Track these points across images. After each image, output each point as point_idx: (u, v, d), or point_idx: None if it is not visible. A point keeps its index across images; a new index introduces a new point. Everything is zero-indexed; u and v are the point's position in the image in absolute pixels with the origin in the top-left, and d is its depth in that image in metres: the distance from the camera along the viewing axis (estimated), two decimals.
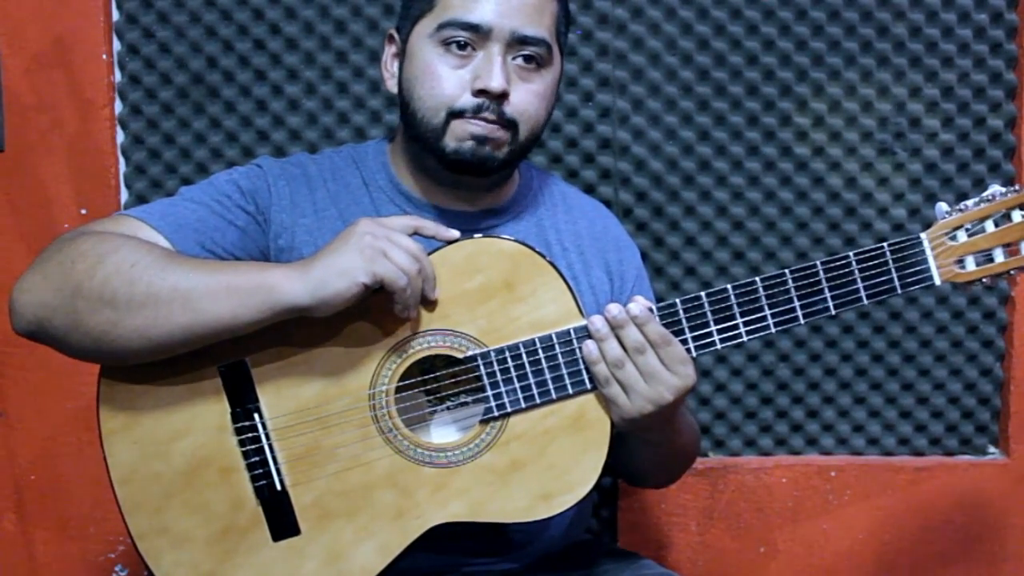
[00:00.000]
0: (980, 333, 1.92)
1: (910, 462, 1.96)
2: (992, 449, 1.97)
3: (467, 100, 1.26)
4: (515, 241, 1.23)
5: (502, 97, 1.26)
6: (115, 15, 1.87)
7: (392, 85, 1.36)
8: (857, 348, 1.93)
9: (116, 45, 1.88)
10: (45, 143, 1.87)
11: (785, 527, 1.96)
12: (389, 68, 1.37)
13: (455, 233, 1.22)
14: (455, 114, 1.27)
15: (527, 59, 1.28)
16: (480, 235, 1.24)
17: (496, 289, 1.21)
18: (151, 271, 1.13)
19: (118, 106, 1.89)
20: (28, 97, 1.86)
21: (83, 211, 1.88)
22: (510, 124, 1.28)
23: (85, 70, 1.86)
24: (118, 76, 1.89)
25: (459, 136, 1.27)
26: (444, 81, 1.27)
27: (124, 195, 1.90)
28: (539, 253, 1.22)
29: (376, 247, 1.14)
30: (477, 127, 1.26)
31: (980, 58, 1.87)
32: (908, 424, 1.95)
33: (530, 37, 1.27)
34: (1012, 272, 1.24)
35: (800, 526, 1.96)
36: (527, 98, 1.29)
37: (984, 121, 1.88)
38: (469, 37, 1.26)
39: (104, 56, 1.87)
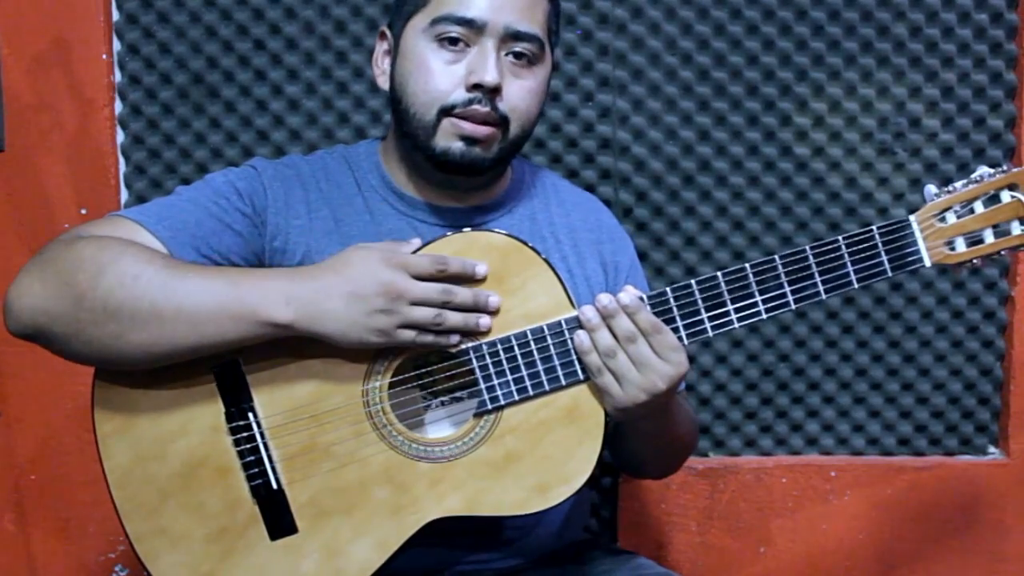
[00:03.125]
0: (980, 333, 1.92)
1: (910, 462, 1.95)
2: (992, 449, 1.96)
3: (460, 95, 1.26)
4: (504, 234, 1.22)
5: (495, 91, 1.26)
6: (115, 15, 1.88)
7: (383, 82, 1.36)
8: (857, 348, 1.93)
9: (116, 45, 1.88)
10: (45, 143, 1.88)
11: (785, 527, 1.96)
12: (380, 65, 1.37)
13: (483, 269, 1.21)
14: (446, 111, 1.26)
15: (519, 55, 1.28)
16: (469, 229, 1.24)
17: (486, 283, 1.21)
18: (154, 286, 1.13)
19: (118, 106, 1.90)
20: (28, 97, 1.86)
21: (83, 211, 1.89)
22: (502, 120, 1.28)
23: (85, 70, 1.87)
24: (118, 76, 1.89)
25: (449, 136, 1.27)
26: (437, 76, 1.26)
27: (124, 195, 1.91)
28: (528, 245, 1.22)
29: (391, 322, 1.16)
30: (466, 127, 1.26)
31: (980, 58, 1.86)
32: (908, 424, 1.95)
33: (523, 33, 1.27)
34: (1002, 252, 1.23)
35: (800, 526, 1.96)
36: (520, 94, 1.29)
37: (984, 121, 1.88)
38: (463, 32, 1.26)
39: (104, 56, 1.87)
